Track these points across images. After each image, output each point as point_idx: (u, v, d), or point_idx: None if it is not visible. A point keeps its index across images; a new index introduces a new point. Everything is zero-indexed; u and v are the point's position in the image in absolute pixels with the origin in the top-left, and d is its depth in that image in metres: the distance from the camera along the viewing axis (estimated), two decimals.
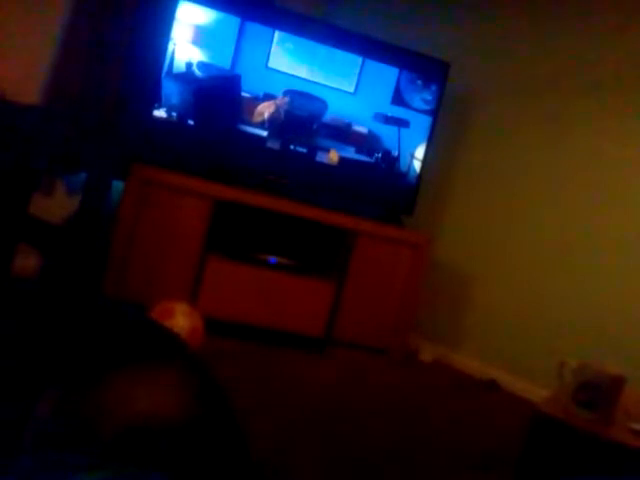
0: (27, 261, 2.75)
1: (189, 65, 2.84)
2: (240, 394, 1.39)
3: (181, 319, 2.27)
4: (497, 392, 3.00)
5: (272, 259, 2.94)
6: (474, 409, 2.73)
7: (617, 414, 1.51)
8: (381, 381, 2.81)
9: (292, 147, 3.02)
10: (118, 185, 2.77)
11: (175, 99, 2.86)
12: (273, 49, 2.92)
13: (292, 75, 2.96)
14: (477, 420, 2.56)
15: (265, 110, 2.95)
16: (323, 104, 3.01)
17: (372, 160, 3.09)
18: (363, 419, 2.28)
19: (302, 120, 3.01)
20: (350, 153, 3.08)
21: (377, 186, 3.14)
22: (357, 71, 3.02)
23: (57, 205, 2.89)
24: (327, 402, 2.36)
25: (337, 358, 2.94)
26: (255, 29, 2.90)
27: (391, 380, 2.84)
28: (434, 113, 3.10)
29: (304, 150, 3.03)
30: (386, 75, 3.05)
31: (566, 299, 2.98)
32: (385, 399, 2.57)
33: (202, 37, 2.85)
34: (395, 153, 3.10)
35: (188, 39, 2.83)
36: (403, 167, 3.11)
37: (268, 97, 2.95)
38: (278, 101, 2.96)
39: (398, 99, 3.07)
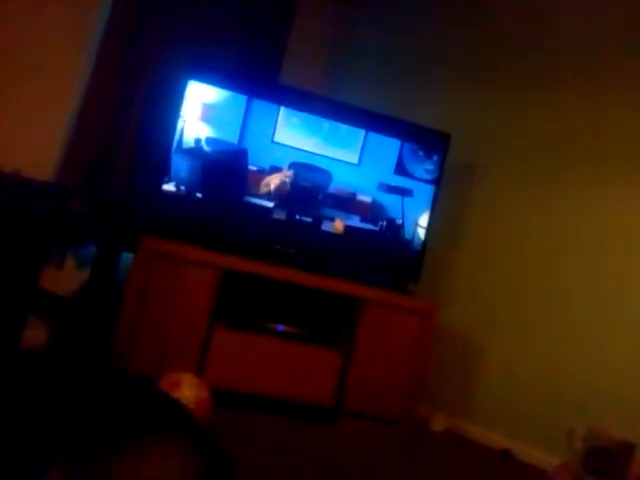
0: (37, 333, 2.78)
1: (198, 141, 2.94)
2: (246, 467, 1.39)
3: (187, 390, 2.26)
4: (511, 462, 2.94)
5: (279, 327, 2.95)
6: (486, 479, 2.67)
7: None
8: (391, 454, 2.75)
9: (298, 217, 3.08)
10: (127, 257, 2.83)
11: (184, 173, 2.94)
12: (279, 124, 3.02)
13: (297, 148, 3.05)
14: None
15: (271, 182, 3.03)
16: (328, 175, 3.09)
17: (377, 228, 3.14)
18: None
19: (307, 191, 3.08)
20: (355, 222, 3.13)
21: (382, 254, 3.17)
22: (360, 143, 3.11)
23: (67, 278, 2.94)
24: (336, 477, 2.32)
25: (346, 429, 2.89)
26: (261, 106, 3.01)
27: (402, 452, 2.79)
28: (436, 182, 3.17)
29: (310, 220, 3.09)
30: (389, 147, 3.13)
31: (578, 366, 2.95)
32: (395, 473, 2.51)
33: (210, 114, 2.96)
34: (399, 221, 3.15)
35: (197, 116, 2.94)
36: (408, 235, 3.16)
37: (274, 170, 3.03)
38: (284, 173, 3.04)
39: (401, 169, 3.14)
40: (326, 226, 3.11)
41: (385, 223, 3.15)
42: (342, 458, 2.53)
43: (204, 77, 2.94)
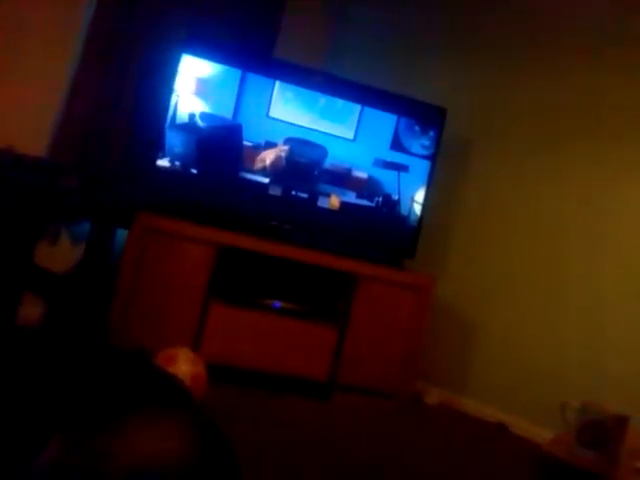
0: (32, 309, 2.77)
1: (192, 116, 2.91)
2: (242, 442, 1.39)
3: (184, 366, 2.27)
4: (506, 435, 2.97)
5: (276, 303, 2.95)
6: (481, 452, 2.70)
7: (622, 454, 1.49)
8: (386, 428, 2.77)
9: (294, 193, 3.06)
10: (122, 233, 2.81)
11: (178, 149, 2.92)
12: (273, 99, 2.99)
13: (292, 123, 3.02)
14: (484, 463, 2.53)
15: (267, 157, 3.01)
16: (323, 151, 3.07)
17: (373, 204, 3.13)
18: (369, 466, 2.25)
19: (303, 167, 3.06)
20: (351, 198, 3.12)
21: (378, 230, 3.17)
22: (356, 118, 3.09)
23: (62, 254, 2.92)
24: (332, 450, 2.34)
25: (342, 403, 2.91)
26: (256, 80, 2.98)
27: (397, 425, 2.81)
28: (433, 158, 3.15)
29: (305, 196, 3.08)
30: (385, 122, 3.11)
31: (573, 339, 2.97)
32: (391, 445, 2.54)
33: (204, 89, 2.93)
34: (395, 197, 3.14)
35: (191, 91, 2.91)
36: (404, 211, 3.15)
37: (269, 145, 3.01)
38: (279, 149, 3.02)
39: (397, 145, 3.12)
40: (322, 202, 3.09)
41: (381, 199, 3.13)
42: (338, 432, 2.55)
43: (198, 51, 2.90)
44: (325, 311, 3.05)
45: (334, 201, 3.10)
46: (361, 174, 3.11)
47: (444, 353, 3.36)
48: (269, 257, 2.89)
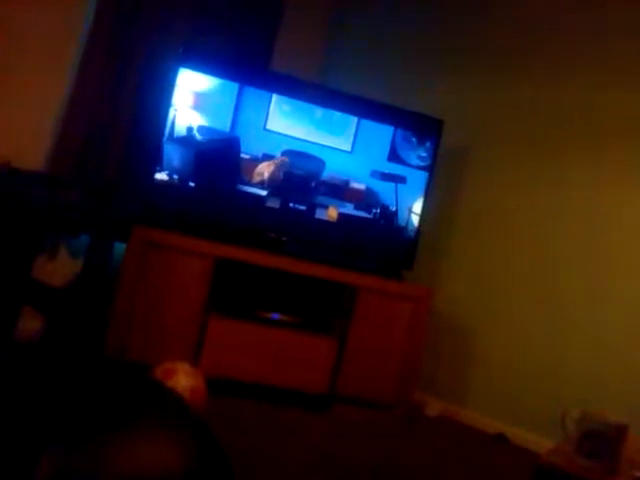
0: (31, 323, 2.77)
1: (190, 129, 2.92)
2: (242, 454, 1.39)
3: (183, 379, 2.26)
4: (505, 445, 2.96)
5: (274, 316, 2.95)
6: (482, 463, 2.68)
7: (621, 463, 1.49)
8: (386, 438, 2.76)
9: (291, 205, 3.07)
10: (120, 247, 2.82)
11: (176, 162, 2.93)
12: (271, 111, 3.01)
13: (290, 136, 3.04)
14: (485, 474, 2.52)
15: (264, 170, 3.02)
16: (321, 163, 3.08)
17: (371, 216, 3.14)
18: (368, 478, 2.24)
19: (301, 179, 3.07)
20: (349, 209, 3.13)
21: (376, 241, 3.17)
22: (353, 130, 3.10)
23: (60, 268, 2.92)
24: (331, 461, 2.33)
25: (341, 416, 2.90)
26: (253, 93, 3.00)
27: (397, 436, 2.80)
28: (430, 169, 3.16)
29: (303, 208, 3.09)
30: (382, 133, 3.13)
31: (573, 349, 2.96)
32: (391, 457, 2.53)
33: (202, 102, 2.95)
34: (393, 208, 3.15)
35: (188, 104, 2.92)
36: (401, 222, 3.16)
37: (267, 158, 3.02)
38: (277, 161, 3.03)
39: (394, 156, 3.14)
40: (320, 214, 3.10)
41: (379, 210, 3.14)
42: (338, 444, 2.54)
43: (195, 65, 2.92)
44: (324, 323, 3.05)
45: (332, 213, 3.11)
46: (359, 186, 3.12)
47: (444, 364, 3.35)
48: (267, 269, 2.89)
